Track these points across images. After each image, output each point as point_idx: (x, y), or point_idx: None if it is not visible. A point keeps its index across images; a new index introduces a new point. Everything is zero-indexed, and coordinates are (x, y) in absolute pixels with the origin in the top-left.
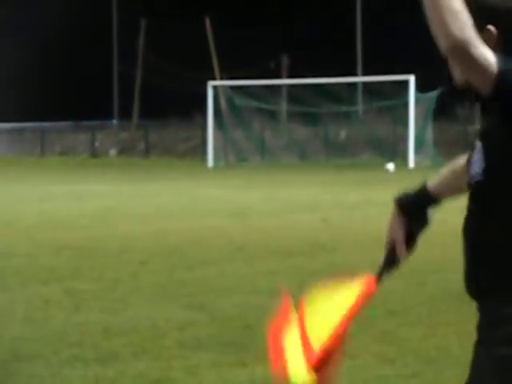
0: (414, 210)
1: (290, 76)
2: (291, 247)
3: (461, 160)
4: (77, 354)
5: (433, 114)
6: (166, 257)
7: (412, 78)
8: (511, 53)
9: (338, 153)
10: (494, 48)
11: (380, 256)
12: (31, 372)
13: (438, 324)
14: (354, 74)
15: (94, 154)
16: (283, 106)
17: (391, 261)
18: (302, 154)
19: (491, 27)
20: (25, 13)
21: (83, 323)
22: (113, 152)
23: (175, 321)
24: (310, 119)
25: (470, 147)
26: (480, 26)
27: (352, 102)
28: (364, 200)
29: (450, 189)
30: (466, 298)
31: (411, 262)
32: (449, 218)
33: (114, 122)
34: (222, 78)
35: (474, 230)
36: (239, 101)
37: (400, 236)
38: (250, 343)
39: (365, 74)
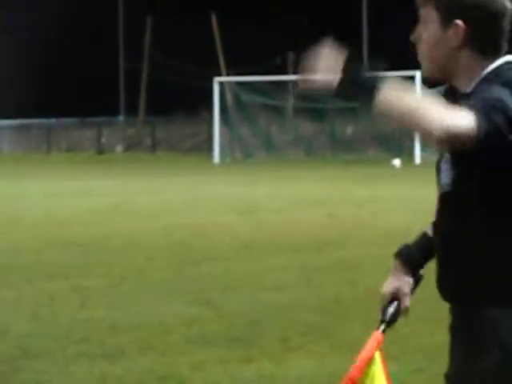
0: (418, 265)
1: (296, 72)
2: (298, 243)
3: None
4: (83, 350)
5: None
6: (173, 253)
7: (418, 74)
8: (480, 50)
9: (345, 148)
10: (461, 45)
11: (381, 256)
12: (38, 368)
13: (442, 320)
14: None
15: (101, 150)
16: (289, 102)
17: (396, 314)
18: (308, 150)
19: (459, 22)
20: (31, 13)
21: (90, 319)
22: (119, 148)
23: (182, 317)
24: (317, 115)
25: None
26: (448, 21)
27: None
28: (371, 196)
29: None
30: None
31: None
32: None
33: (120, 118)
34: (228, 74)
35: (447, 236)
36: (245, 97)
37: (407, 290)
38: (256, 339)
39: (371, 69)
